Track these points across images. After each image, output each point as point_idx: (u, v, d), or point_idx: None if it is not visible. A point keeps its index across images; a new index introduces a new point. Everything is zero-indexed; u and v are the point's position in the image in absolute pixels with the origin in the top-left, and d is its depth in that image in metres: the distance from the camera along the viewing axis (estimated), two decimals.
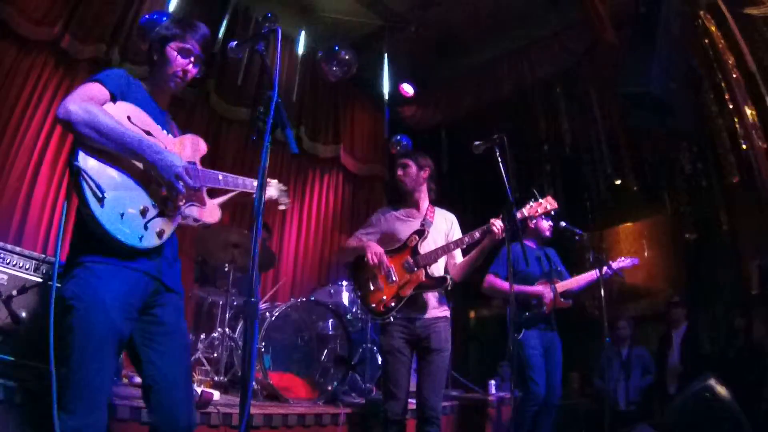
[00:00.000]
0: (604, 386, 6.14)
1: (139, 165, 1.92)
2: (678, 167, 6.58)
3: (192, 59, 2.19)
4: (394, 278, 3.37)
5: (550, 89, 7.16)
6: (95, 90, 1.90)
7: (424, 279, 3.34)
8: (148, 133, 1.99)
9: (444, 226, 3.59)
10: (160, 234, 1.96)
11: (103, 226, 1.77)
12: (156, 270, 1.99)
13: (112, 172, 1.84)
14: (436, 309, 3.42)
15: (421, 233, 3.45)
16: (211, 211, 2.24)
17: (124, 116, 1.92)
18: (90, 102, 1.82)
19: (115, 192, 1.81)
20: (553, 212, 3.43)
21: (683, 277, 6.75)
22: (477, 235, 3.28)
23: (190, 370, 2.13)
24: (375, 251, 3.36)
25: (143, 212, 1.90)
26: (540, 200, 3.39)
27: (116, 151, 1.84)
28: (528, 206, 3.40)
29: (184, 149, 2.18)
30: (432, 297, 3.43)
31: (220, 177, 2.29)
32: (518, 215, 3.35)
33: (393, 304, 3.33)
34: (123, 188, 1.86)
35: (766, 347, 5.21)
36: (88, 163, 1.78)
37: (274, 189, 2.64)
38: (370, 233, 3.60)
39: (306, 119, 7.29)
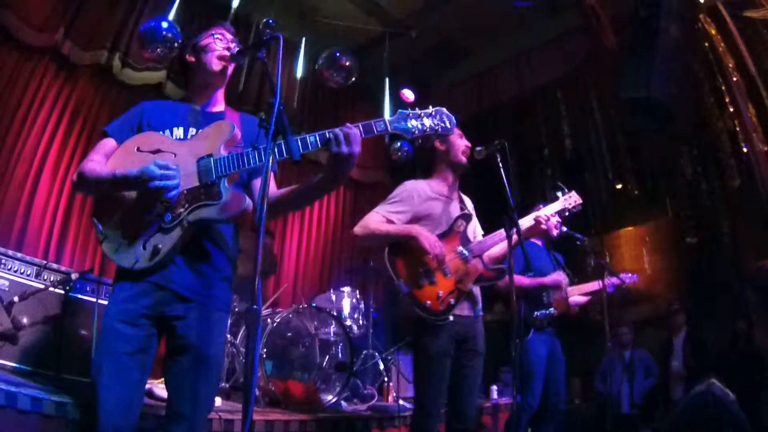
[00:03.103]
0: (606, 390, 6.13)
1: (133, 195, 2.00)
2: (679, 171, 6.57)
3: (227, 38, 2.27)
4: (449, 270, 2.94)
5: (551, 94, 7.17)
6: (98, 148, 2.14)
7: (482, 270, 3.01)
8: (157, 151, 2.03)
9: (473, 212, 3.29)
10: (154, 251, 1.93)
11: (109, 257, 2.01)
12: (162, 279, 1.96)
13: (110, 215, 2.03)
14: (480, 306, 3.11)
15: (468, 218, 3.09)
16: (227, 205, 1.93)
17: (133, 149, 2.05)
18: (83, 164, 2.07)
19: (112, 229, 2.01)
20: (580, 207, 3.33)
21: (684, 280, 6.73)
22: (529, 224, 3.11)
23: (203, 384, 1.96)
24: (433, 240, 2.85)
25: (136, 236, 1.96)
26: (567, 194, 3.31)
27: (111, 189, 2.01)
28: (562, 200, 3.30)
29: (201, 145, 2.03)
30: (479, 292, 3.11)
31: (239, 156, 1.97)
32: (562, 205, 3.26)
33: (453, 300, 2.88)
34: (119, 223, 2.01)
35: None
36: (95, 214, 2.07)
37: None
38: (400, 212, 3.01)
39: (307, 125, 7.29)
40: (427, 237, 2.85)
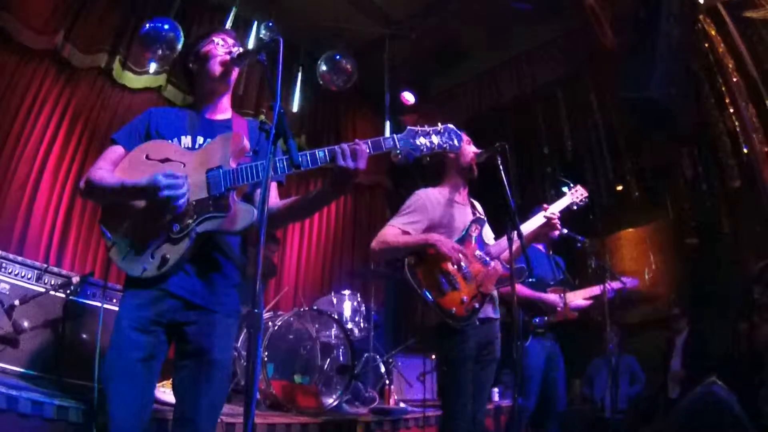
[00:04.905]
0: (591, 395, 6.13)
1: (142, 204, 2.01)
2: (679, 172, 6.57)
3: (229, 43, 2.27)
4: (470, 275, 2.92)
5: (551, 95, 7.17)
6: (105, 155, 2.15)
7: (503, 272, 2.99)
8: (166, 159, 2.05)
9: (484, 216, 3.29)
10: (163, 261, 1.94)
11: (117, 265, 2.02)
12: (173, 286, 1.97)
13: (119, 223, 2.04)
14: (498, 309, 3.11)
15: (481, 222, 3.11)
16: (235, 218, 1.95)
17: (142, 157, 2.07)
18: (92, 171, 2.07)
19: (121, 237, 2.02)
20: (586, 200, 3.34)
21: (685, 281, 6.73)
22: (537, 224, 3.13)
23: (211, 389, 1.97)
24: (453, 246, 2.83)
25: (145, 245, 1.97)
26: (574, 188, 3.32)
27: (119, 198, 2.03)
28: (569, 194, 3.31)
29: (210, 156, 2.03)
30: (497, 293, 3.10)
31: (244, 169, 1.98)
32: (570, 200, 3.29)
33: (477, 304, 2.88)
34: (128, 231, 2.02)
35: None
36: (103, 221, 2.08)
37: None
38: (415, 222, 2.99)
39: (307, 128, 7.30)
40: (446, 243, 2.83)
